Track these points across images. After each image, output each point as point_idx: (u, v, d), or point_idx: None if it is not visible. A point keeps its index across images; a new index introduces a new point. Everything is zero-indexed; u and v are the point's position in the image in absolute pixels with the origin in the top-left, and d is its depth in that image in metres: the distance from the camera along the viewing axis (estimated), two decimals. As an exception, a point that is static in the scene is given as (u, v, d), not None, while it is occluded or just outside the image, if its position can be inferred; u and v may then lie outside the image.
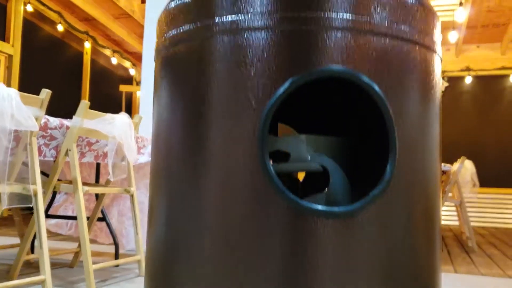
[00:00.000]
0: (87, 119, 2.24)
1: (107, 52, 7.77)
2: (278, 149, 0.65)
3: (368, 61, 0.46)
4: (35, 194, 1.93)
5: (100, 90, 7.72)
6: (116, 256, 2.72)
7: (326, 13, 0.45)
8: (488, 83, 7.18)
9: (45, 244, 1.92)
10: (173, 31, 0.54)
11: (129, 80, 8.55)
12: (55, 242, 3.41)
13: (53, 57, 6.86)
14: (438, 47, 0.55)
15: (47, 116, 2.15)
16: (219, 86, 0.49)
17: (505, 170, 7.00)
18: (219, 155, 0.53)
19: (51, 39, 6.74)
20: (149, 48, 3.86)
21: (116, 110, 8.11)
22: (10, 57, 6.00)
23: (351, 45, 0.45)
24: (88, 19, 6.93)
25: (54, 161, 2.24)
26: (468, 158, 6.98)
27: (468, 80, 7.19)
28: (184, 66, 0.52)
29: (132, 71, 8.47)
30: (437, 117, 0.63)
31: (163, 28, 0.58)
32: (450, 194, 4.59)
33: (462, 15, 5.05)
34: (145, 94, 3.84)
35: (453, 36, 5.71)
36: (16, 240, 3.14)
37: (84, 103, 2.21)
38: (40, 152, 2.13)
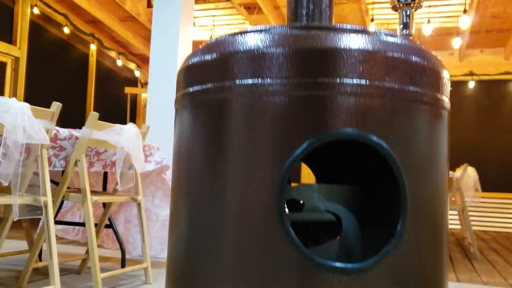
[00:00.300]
0: (96, 130, 2.29)
1: (112, 54, 7.82)
2: (293, 198, 0.69)
3: (378, 121, 0.49)
4: (46, 206, 1.98)
5: (105, 92, 7.77)
6: (123, 262, 2.76)
7: (339, 79, 0.49)
8: (491, 88, 7.20)
9: (55, 255, 1.96)
10: (195, 87, 0.57)
11: (134, 81, 8.59)
12: (61, 246, 3.46)
13: (59, 59, 6.91)
14: (446, 103, 0.58)
15: (57, 128, 2.19)
16: (239, 144, 0.52)
17: (508, 174, 7.02)
18: (236, 207, 0.56)
19: (57, 41, 6.79)
20: (156, 53, 3.90)
21: (121, 111, 8.18)
22: (17, 60, 6.06)
23: (363, 108, 0.48)
24: (93, 22, 6.97)
25: (63, 171, 2.29)
26: (471, 162, 7.00)
27: (471, 84, 7.21)
28: (205, 121, 0.56)
29: (137, 73, 8.51)
30: (444, 166, 0.66)
31: (184, 80, 0.61)
32: (453, 199, 4.62)
33: (466, 22, 5.07)
34: (152, 97, 3.87)
35: (457, 43, 5.73)
36: (22, 244, 3.19)
37: (94, 114, 2.25)
38: (50, 162, 2.18)
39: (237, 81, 0.52)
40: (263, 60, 0.51)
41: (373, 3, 5.27)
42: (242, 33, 0.56)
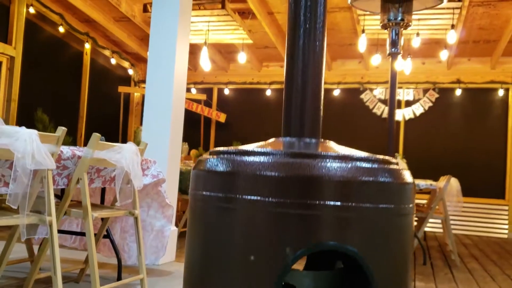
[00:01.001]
0: (97, 150, 2.40)
1: (107, 52, 7.88)
2: (287, 282, 0.81)
3: (355, 234, 0.61)
4: (51, 225, 2.10)
5: (99, 89, 7.84)
6: (119, 272, 2.89)
7: (323, 201, 0.62)
8: (477, 96, 7.39)
9: (59, 271, 2.08)
10: (208, 193, 0.70)
11: (127, 79, 8.66)
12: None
13: (54, 58, 6.96)
14: (411, 207, 0.71)
15: (60, 148, 2.30)
16: (237, 248, 0.64)
17: (491, 181, 7.24)
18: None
19: (52, 40, 6.84)
20: (154, 58, 3.99)
21: (114, 109, 8.26)
22: (12, 59, 6.11)
23: (342, 224, 0.61)
24: (88, 21, 7.03)
25: (65, 188, 2.40)
26: (456, 167, 7.22)
27: (458, 92, 7.40)
28: (212, 221, 0.68)
29: (130, 71, 8.58)
30: (408, 261, 0.78)
31: (200, 181, 0.73)
32: (437, 207, 4.79)
33: (453, 37, 5.23)
34: (149, 99, 3.95)
35: (444, 55, 5.89)
36: (20, 247, 3.29)
37: (96, 136, 2.37)
38: (53, 181, 2.29)
39: (243, 196, 0.65)
40: (263, 181, 0.64)
41: (364, 14, 5.40)
42: (249, 153, 0.68)
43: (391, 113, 4.08)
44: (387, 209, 0.68)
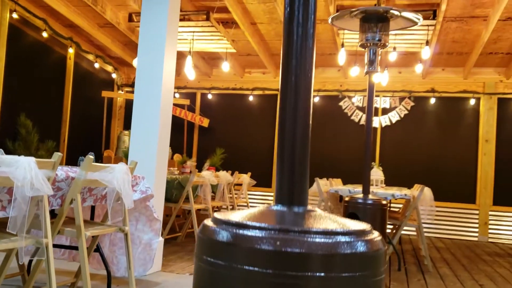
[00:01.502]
0: (90, 172, 2.53)
1: (90, 57, 7.92)
2: None
3: None
4: (47, 246, 2.22)
5: (82, 93, 7.88)
6: (109, 283, 3.02)
7: (307, 273, 0.78)
8: (451, 105, 7.68)
9: (55, 289, 2.21)
10: (208, 258, 0.85)
11: (110, 83, 8.71)
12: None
13: (37, 62, 6.99)
14: (383, 270, 0.87)
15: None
16: None
17: (464, 186, 7.54)
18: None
19: (36, 45, 6.87)
20: (142, 63, 4.09)
21: (97, 112, 8.31)
22: (-5, 64, 6.14)
23: None
24: (72, 26, 7.07)
25: (59, 208, 2.53)
26: (430, 173, 7.49)
27: (433, 100, 7.67)
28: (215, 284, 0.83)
29: (114, 75, 8.63)
30: None
31: (202, 246, 0.88)
32: (411, 216, 5.02)
33: (427, 52, 5.46)
34: (137, 104, 4.04)
35: (419, 68, 6.13)
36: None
37: (89, 158, 2.50)
38: (48, 203, 2.42)
39: (239, 265, 0.80)
40: (255, 254, 0.80)
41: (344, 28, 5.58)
42: (248, 227, 0.83)
43: (369, 125, 4.26)
44: (364, 275, 0.84)
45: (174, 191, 4.97)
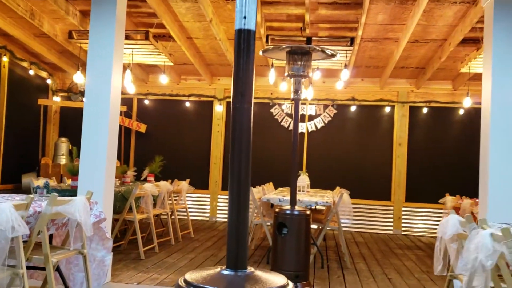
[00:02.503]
0: (55, 206, 2.90)
1: (25, 64, 7.93)
2: None
3: None
4: (23, 276, 2.59)
5: (17, 100, 7.89)
6: (67, 299, 3.39)
7: None
8: (369, 112, 8.52)
9: (31, 313, 2.59)
10: None
11: (45, 89, 8.74)
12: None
13: (-30, 73, 6.96)
14: None
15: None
16: None
17: (379, 185, 8.43)
18: None
19: (-31, 55, 6.83)
20: (92, 79, 4.29)
21: (33, 119, 8.33)
22: None
23: None
24: (6, 34, 7.08)
25: (28, 239, 2.87)
26: (350, 173, 8.30)
27: (353, 108, 8.48)
28: None
29: (49, 81, 8.67)
30: None
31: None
32: (332, 219, 5.71)
33: (346, 74, 6.16)
34: (87, 116, 4.29)
35: (340, 84, 6.84)
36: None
37: (54, 195, 2.86)
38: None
39: None
40: None
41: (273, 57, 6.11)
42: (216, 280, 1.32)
43: (295, 147, 4.85)
44: None
45: (118, 203, 5.30)
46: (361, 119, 8.54)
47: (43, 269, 3.05)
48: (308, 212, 4.49)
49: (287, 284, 1.44)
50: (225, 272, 1.46)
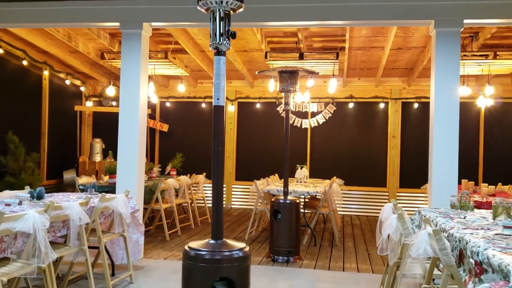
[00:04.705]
0: (104, 202, 4.06)
1: (62, 75, 9.16)
2: None
3: None
4: (85, 251, 3.76)
5: (56, 107, 9.14)
6: (113, 267, 4.58)
7: (220, 264, 2.37)
8: (365, 108, 9.50)
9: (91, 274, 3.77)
10: (186, 261, 2.44)
11: (79, 95, 9.99)
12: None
13: (19, 86, 8.21)
14: None
15: (90, 202, 3.92)
16: None
17: (375, 173, 9.44)
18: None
19: (17, 71, 8.08)
20: (125, 90, 5.41)
21: (70, 123, 9.58)
22: (-13, 94, 7.35)
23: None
24: (47, 52, 8.29)
25: (86, 226, 4.04)
26: (349, 163, 9.32)
27: (351, 105, 9.47)
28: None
29: (82, 88, 9.90)
30: None
31: (185, 254, 2.47)
32: (325, 205, 6.77)
33: (333, 84, 7.18)
34: (123, 121, 5.42)
35: (332, 89, 7.82)
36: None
37: (103, 195, 4.02)
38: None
39: (199, 263, 2.37)
40: (204, 259, 2.39)
41: (271, 57, 7.13)
42: (199, 250, 2.40)
43: (286, 154, 5.90)
44: (241, 264, 2.46)
45: (146, 195, 6.48)
46: (358, 114, 9.53)
47: (96, 248, 4.22)
48: (297, 201, 5.59)
49: (245, 247, 2.52)
50: (211, 241, 2.56)
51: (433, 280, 2.99)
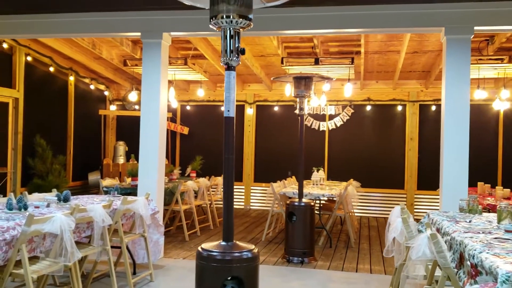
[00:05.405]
0: (127, 204, 4.29)
1: (86, 80, 9.51)
2: None
3: None
4: (108, 251, 3.99)
5: (81, 111, 9.49)
6: (134, 266, 4.82)
7: (231, 264, 2.57)
8: (383, 110, 9.58)
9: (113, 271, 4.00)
10: (200, 261, 2.63)
11: (103, 99, 10.33)
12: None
13: (46, 91, 8.57)
14: None
15: (113, 205, 4.16)
16: None
17: (393, 175, 9.51)
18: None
19: (44, 77, 8.44)
20: (146, 95, 5.65)
21: (95, 126, 9.93)
22: (16, 100, 7.72)
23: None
24: (72, 59, 8.63)
25: (109, 227, 4.28)
26: (367, 165, 9.42)
27: (369, 107, 9.56)
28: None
29: (106, 92, 10.24)
30: None
31: (198, 254, 2.67)
32: (340, 207, 6.90)
33: (349, 89, 7.30)
34: (144, 124, 5.67)
35: (348, 92, 7.93)
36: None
37: (125, 198, 4.25)
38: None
39: (211, 263, 2.57)
40: (216, 260, 2.59)
41: (288, 61, 7.29)
42: (210, 251, 2.59)
43: (300, 157, 6.06)
44: (250, 264, 2.64)
45: (167, 196, 6.73)
46: (376, 117, 9.61)
47: (118, 247, 4.47)
48: (312, 204, 5.75)
49: (254, 248, 2.70)
50: (222, 243, 2.75)
51: (436, 281, 3.12)
